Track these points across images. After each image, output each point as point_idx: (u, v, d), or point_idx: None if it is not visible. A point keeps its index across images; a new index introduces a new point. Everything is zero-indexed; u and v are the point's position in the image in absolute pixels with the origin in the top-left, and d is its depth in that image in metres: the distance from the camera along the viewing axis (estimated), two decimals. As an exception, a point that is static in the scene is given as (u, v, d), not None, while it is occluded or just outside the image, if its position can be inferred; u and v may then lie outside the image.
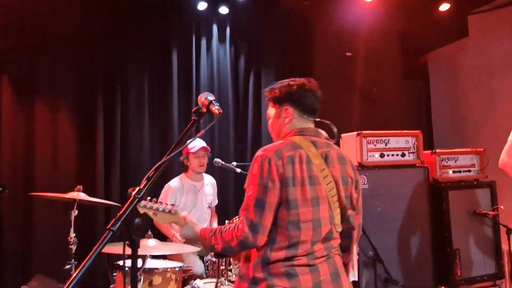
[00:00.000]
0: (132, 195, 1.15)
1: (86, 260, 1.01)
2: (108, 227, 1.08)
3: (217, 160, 3.63)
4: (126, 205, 1.12)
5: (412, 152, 3.67)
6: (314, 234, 1.73)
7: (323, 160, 1.79)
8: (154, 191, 3.84)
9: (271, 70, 4.66)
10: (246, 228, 1.68)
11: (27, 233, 3.70)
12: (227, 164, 3.63)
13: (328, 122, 1.93)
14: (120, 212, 1.11)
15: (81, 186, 3.00)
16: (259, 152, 1.76)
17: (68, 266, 2.90)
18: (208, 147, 3.73)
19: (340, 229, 1.85)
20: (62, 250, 3.02)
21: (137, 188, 1.16)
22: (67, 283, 0.95)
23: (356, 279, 3.40)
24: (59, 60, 3.93)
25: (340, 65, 4.81)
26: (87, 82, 3.99)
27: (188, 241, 1.87)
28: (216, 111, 1.41)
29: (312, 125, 1.91)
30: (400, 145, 3.66)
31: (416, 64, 5.33)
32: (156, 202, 1.80)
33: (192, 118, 1.43)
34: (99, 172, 3.88)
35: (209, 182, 3.84)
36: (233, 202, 3.93)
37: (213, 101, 1.46)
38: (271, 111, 1.90)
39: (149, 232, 2.96)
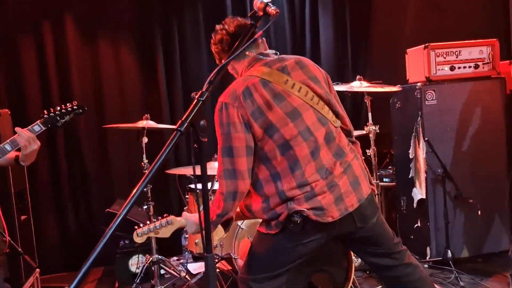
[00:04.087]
0: (196, 97, 1.17)
1: (157, 159, 1.06)
2: (176, 127, 1.11)
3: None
4: (190, 107, 1.15)
5: (487, 63, 3.38)
6: (308, 144, 1.69)
7: (281, 73, 1.72)
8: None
9: (328, -13, 4.39)
10: (223, 180, 1.68)
11: (105, 161, 4.00)
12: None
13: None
14: (186, 114, 1.14)
15: (149, 115, 3.14)
16: (218, 101, 1.72)
17: (144, 189, 3.13)
18: None
19: (338, 124, 1.81)
20: (138, 174, 3.24)
21: (200, 91, 1.17)
22: (146, 176, 1.01)
23: (424, 196, 3.34)
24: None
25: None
26: (145, 15, 4.02)
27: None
28: (273, 12, 1.36)
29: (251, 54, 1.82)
30: (473, 56, 3.38)
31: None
32: (149, 223, 1.82)
33: (249, 22, 1.40)
34: (163, 100, 4.02)
35: None
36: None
37: (268, 3, 1.40)
38: None
39: (216, 155, 3.08)
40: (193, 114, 1.14)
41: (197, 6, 4.13)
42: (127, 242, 3.52)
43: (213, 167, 2.94)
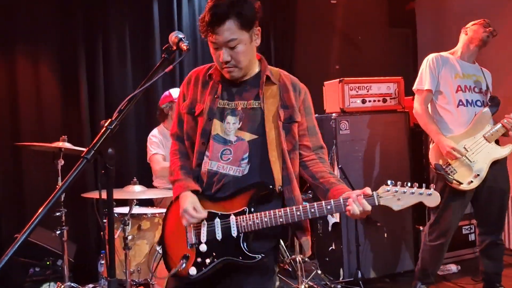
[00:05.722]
0: (105, 126, 1.20)
1: (61, 185, 1.07)
2: (82, 155, 1.13)
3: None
4: (98, 135, 1.17)
5: (394, 98, 3.73)
6: None
7: None
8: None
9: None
10: None
11: (18, 184, 3.78)
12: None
13: None
14: (94, 142, 1.16)
15: (66, 136, 3.04)
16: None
17: (58, 213, 2.99)
18: None
19: None
20: (52, 198, 3.10)
21: (109, 120, 1.20)
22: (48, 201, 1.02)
23: (338, 220, 3.55)
24: (38, 9, 3.83)
25: (325, 13, 4.77)
26: (68, 31, 3.91)
27: None
28: (184, 47, 1.44)
29: None
30: (382, 91, 3.72)
31: (403, 11, 5.29)
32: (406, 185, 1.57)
33: (163, 55, 1.46)
34: (85, 121, 3.89)
35: None
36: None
37: (182, 39, 1.48)
38: (240, 35, 1.60)
39: (135, 179, 3.05)
40: (100, 142, 1.16)
41: (124, 24, 4.09)
42: (37, 269, 3.32)
43: (132, 191, 2.91)
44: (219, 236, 1.66)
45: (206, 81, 1.76)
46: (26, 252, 3.29)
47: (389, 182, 1.56)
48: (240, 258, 1.65)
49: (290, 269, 3.70)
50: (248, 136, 1.68)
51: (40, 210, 1.04)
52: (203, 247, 1.68)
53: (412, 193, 1.55)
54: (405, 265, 3.67)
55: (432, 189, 1.55)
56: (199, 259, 1.68)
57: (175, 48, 1.46)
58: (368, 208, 1.52)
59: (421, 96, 3.03)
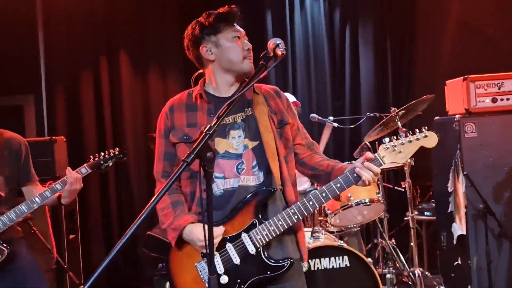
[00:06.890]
0: (204, 131, 1.29)
1: (165, 185, 1.18)
2: (183, 159, 1.23)
3: (314, 115, 3.65)
4: (198, 141, 1.26)
5: (532, 95, 3.25)
6: None
7: None
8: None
9: (368, 20, 4.45)
10: None
11: (150, 188, 4.25)
12: (324, 119, 3.63)
13: None
14: (194, 146, 1.25)
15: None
16: None
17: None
18: (298, 102, 3.77)
19: None
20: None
21: (208, 126, 1.29)
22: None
23: (464, 232, 3.22)
24: (165, 33, 4.30)
25: (449, 5, 4.37)
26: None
27: None
28: (279, 53, 1.48)
29: None
30: (517, 88, 3.27)
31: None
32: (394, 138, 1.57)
33: (260, 62, 1.52)
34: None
35: None
36: (332, 155, 3.95)
37: (279, 45, 1.52)
38: None
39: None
40: (200, 147, 1.25)
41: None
42: (165, 264, 3.66)
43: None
44: (236, 260, 1.61)
45: (193, 105, 1.79)
46: (157, 249, 3.67)
47: (384, 140, 1.56)
48: (269, 272, 1.59)
49: (410, 282, 3.47)
50: (250, 144, 1.71)
51: (146, 208, 1.17)
52: (224, 279, 1.60)
53: (410, 141, 1.54)
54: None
55: (425, 131, 1.54)
56: None
57: (272, 54, 1.51)
58: (377, 170, 1.53)
59: None
